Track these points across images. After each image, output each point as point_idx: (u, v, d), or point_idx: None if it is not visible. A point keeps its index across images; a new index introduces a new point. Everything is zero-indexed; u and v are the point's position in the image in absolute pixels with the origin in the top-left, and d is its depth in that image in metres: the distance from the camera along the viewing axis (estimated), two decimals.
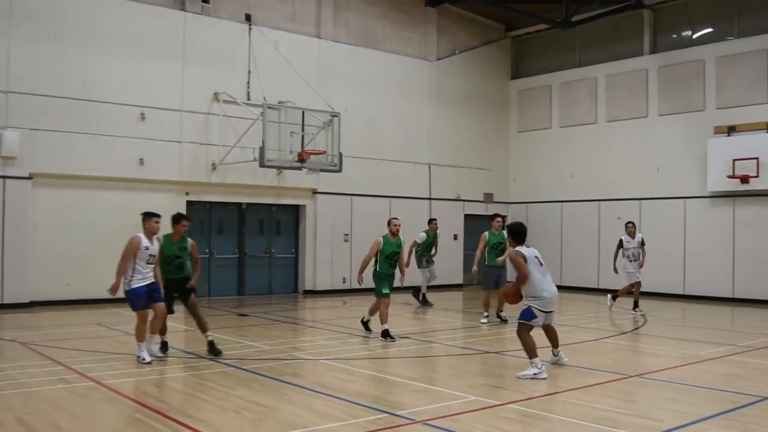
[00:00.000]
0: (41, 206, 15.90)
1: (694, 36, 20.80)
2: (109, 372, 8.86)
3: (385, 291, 11.79)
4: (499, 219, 14.35)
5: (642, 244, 16.10)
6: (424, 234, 17.34)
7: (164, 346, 10.15)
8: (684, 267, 19.98)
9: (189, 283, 10.16)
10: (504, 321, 13.83)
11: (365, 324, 12.26)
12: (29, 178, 15.82)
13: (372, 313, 12.12)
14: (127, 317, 12.28)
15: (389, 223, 12.11)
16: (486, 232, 14.21)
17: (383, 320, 11.69)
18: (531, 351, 8.69)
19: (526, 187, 24.45)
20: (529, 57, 25.04)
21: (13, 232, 15.50)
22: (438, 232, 17.63)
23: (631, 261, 15.98)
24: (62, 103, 16.18)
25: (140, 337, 9.43)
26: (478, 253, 14.15)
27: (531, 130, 24.39)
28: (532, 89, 24.44)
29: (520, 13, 21.77)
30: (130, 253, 9.36)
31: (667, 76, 20.85)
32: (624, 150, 21.68)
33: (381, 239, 11.93)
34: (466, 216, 23.69)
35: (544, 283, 8.90)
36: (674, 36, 21.34)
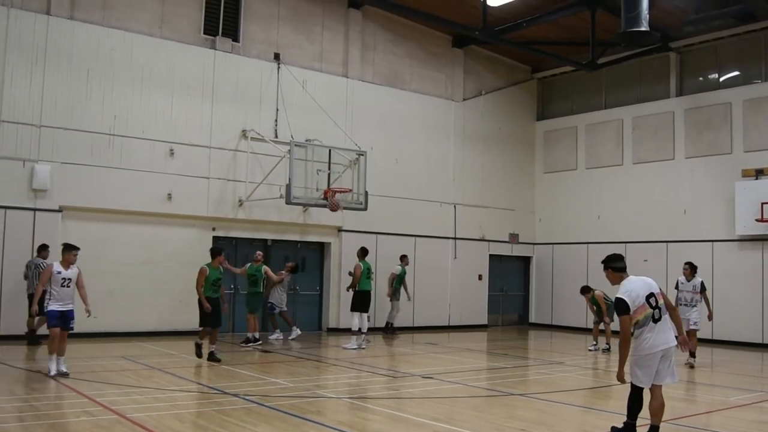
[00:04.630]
0: (70, 239, 15.94)
1: (721, 79, 20.76)
2: (132, 405, 8.86)
3: None
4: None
5: (701, 289, 14.86)
6: None
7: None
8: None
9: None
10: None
11: None
12: (59, 210, 16.05)
13: None
14: (151, 351, 12.32)
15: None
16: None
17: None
18: None
19: (551, 228, 24.34)
20: (555, 98, 25.12)
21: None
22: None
23: (681, 305, 14.63)
24: (93, 138, 16.46)
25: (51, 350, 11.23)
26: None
27: (557, 171, 24.35)
28: (558, 130, 24.46)
29: (547, 55, 21.88)
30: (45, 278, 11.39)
31: (693, 119, 20.79)
32: (650, 192, 21.55)
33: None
34: (491, 256, 23.58)
35: None
36: (701, 79, 21.32)
